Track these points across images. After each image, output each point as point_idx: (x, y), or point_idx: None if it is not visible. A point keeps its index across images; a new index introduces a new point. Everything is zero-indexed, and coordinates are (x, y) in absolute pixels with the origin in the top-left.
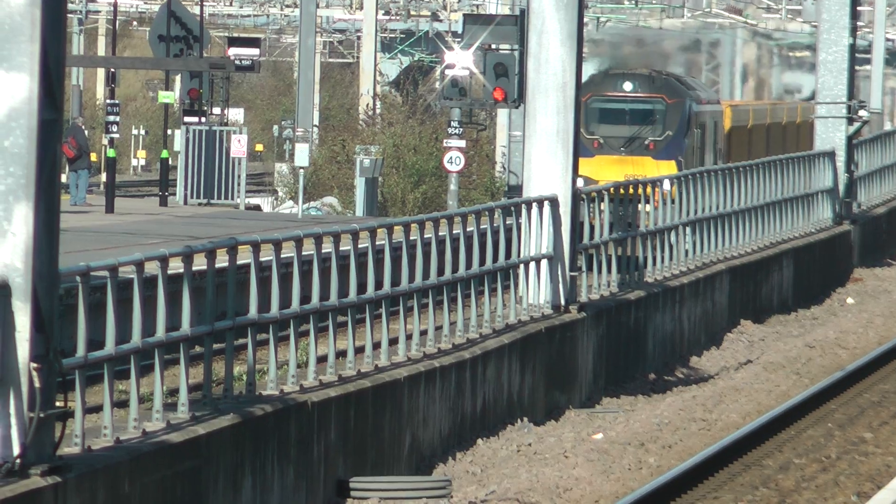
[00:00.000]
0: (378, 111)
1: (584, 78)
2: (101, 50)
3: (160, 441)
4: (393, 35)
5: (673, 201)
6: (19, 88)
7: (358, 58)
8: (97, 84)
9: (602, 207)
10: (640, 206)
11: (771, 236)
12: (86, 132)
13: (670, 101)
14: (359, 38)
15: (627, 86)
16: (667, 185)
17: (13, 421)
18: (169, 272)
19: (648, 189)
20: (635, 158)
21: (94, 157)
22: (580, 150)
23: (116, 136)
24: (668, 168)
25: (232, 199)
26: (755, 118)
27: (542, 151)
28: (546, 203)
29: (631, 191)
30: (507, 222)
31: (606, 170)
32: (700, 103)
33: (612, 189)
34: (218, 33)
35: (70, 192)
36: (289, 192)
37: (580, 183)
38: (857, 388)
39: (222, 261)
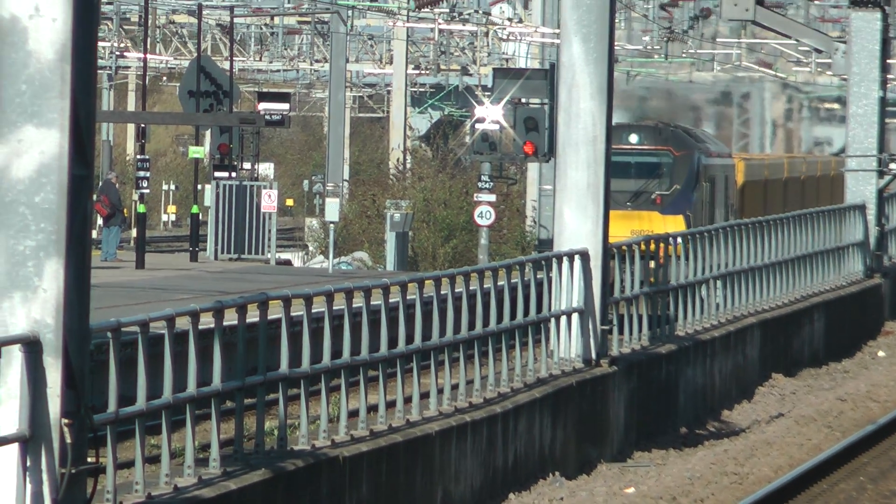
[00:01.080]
0: (408, 165)
1: None
2: (131, 105)
3: (192, 496)
4: (423, 89)
5: (679, 258)
6: (49, 144)
7: (388, 112)
8: (127, 139)
9: (624, 265)
10: (671, 261)
11: (802, 289)
12: (118, 188)
13: (677, 153)
14: (389, 92)
15: (633, 138)
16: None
17: (45, 477)
18: (200, 327)
19: (653, 246)
20: (642, 213)
21: (125, 212)
22: None
23: (147, 191)
24: (675, 223)
25: (262, 254)
26: (770, 173)
27: (572, 205)
28: (577, 257)
29: (662, 246)
30: (538, 276)
31: (612, 225)
32: (709, 156)
33: (642, 244)
34: (248, 88)
35: (101, 247)
36: (319, 246)
37: None
38: (889, 442)
39: (253, 316)
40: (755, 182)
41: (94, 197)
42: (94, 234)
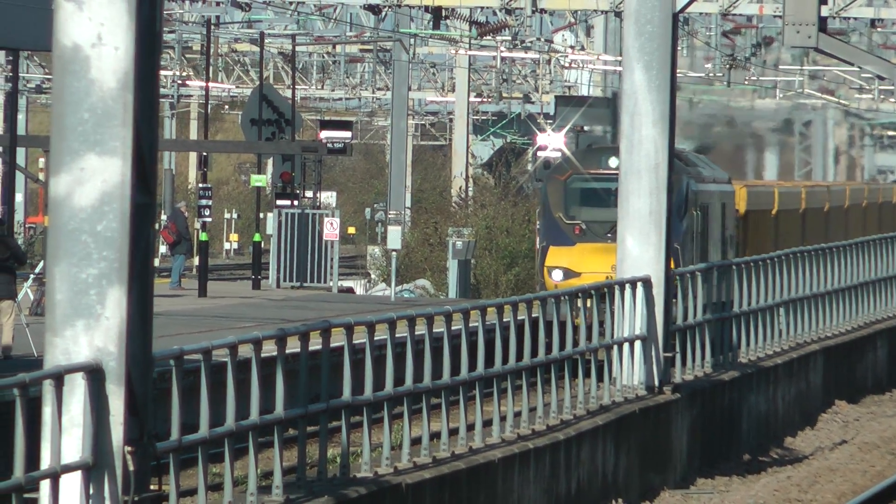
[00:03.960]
0: (470, 193)
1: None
2: (193, 134)
3: None
4: (485, 117)
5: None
6: (112, 172)
7: (450, 140)
8: (189, 168)
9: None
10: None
11: (865, 316)
12: (186, 217)
13: None
14: (451, 120)
15: (612, 162)
16: None
17: None
18: (262, 355)
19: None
20: None
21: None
22: (558, 238)
23: (209, 219)
24: None
25: (325, 282)
26: (783, 202)
27: (634, 233)
28: (639, 284)
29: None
30: (601, 303)
31: (589, 260)
32: (701, 181)
33: (704, 270)
34: (310, 116)
35: (171, 275)
36: (381, 274)
37: (559, 276)
38: None
39: (315, 343)
40: (762, 212)
41: (163, 224)
42: (157, 261)
